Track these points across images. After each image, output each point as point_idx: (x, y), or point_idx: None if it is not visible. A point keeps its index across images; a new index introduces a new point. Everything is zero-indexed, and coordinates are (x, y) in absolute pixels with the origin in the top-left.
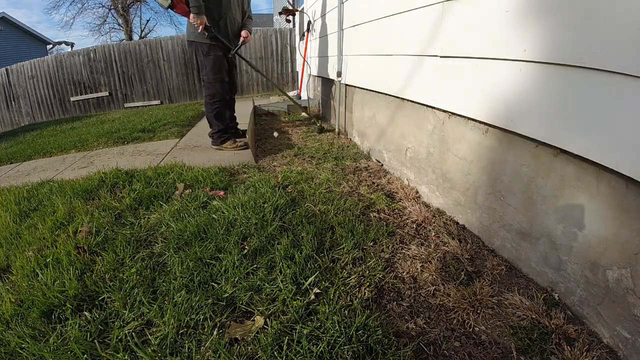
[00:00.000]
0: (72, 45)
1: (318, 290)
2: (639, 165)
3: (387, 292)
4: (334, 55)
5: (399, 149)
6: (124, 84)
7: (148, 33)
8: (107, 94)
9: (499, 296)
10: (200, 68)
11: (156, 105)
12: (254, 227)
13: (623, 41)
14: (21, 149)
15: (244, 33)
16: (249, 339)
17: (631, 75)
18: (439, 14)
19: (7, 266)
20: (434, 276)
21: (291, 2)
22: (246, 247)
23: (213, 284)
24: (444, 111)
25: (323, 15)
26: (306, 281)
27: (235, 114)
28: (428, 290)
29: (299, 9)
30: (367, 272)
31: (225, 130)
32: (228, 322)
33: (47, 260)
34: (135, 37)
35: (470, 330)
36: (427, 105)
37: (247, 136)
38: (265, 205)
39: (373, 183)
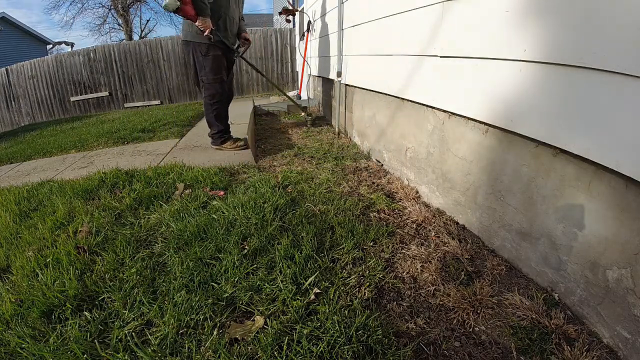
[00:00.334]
0: (72, 45)
1: (318, 290)
2: (639, 165)
3: (387, 292)
4: (334, 55)
5: (399, 149)
6: (124, 84)
7: (148, 33)
8: (107, 94)
9: (499, 296)
10: (199, 69)
11: (156, 105)
12: (254, 227)
13: (623, 41)
14: (21, 149)
15: (246, 36)
16: (249, 339)
17: (631, 75)
18: (439, 14)
19: (7, 266)
20: (434, 276)
21: (291, 2)
22: (246, 247)
23: (213, 284)
24: (444, 111)
25: (323, 15)
26: (306, 281)
27: (228, 114)
28: (428, 290)
29: (299, 9)
30: (367, 272)
31: (225, 131)
32: (228, 322)
33: (47, 260)
34: (135, 37)
35: (470, 330)
36: (427, 105)
37: (247, 136)
38: (265, 205)
39: (373, 183)
